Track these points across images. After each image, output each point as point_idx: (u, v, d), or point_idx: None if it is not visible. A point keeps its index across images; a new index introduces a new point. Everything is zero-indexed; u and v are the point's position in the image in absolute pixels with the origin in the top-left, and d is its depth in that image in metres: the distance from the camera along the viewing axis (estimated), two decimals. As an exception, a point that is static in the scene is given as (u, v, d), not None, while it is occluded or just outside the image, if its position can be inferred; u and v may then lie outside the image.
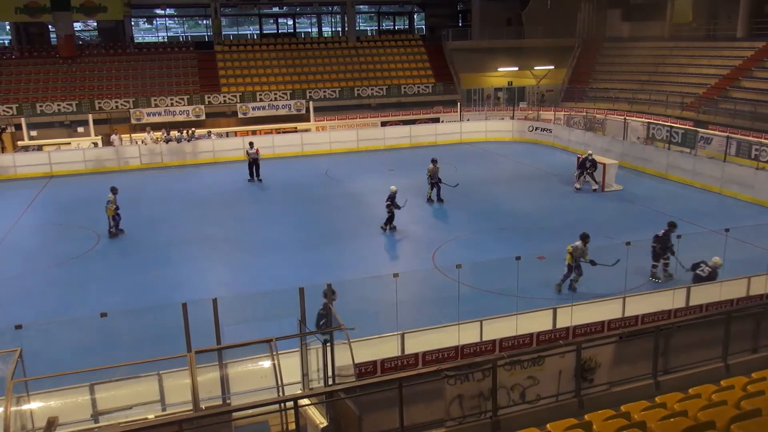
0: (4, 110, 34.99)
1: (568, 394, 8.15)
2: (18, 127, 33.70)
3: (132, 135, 34.31)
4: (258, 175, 27.74)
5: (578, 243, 14.97)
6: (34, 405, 8.74)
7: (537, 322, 11.99)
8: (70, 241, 20.28)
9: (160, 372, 9.35)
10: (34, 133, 34.19)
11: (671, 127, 28.47)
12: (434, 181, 23.35)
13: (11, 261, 18.51)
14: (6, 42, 47.97)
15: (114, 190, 20.59)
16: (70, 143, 33.63)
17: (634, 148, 28.84)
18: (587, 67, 43.53)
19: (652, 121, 30.54)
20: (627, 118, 31.37)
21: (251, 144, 28.15)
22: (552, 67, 42.90)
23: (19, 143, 33.03)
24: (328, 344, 9.18)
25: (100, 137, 33.67)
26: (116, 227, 20.49)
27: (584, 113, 34.78)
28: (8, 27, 44.62)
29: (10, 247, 19.73)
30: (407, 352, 11.18)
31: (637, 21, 44.35)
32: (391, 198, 20.02)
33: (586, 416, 7.03)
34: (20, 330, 9.14)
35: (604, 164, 24.67)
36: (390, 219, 20.22)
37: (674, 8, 41.48)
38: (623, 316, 12.36)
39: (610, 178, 24.81)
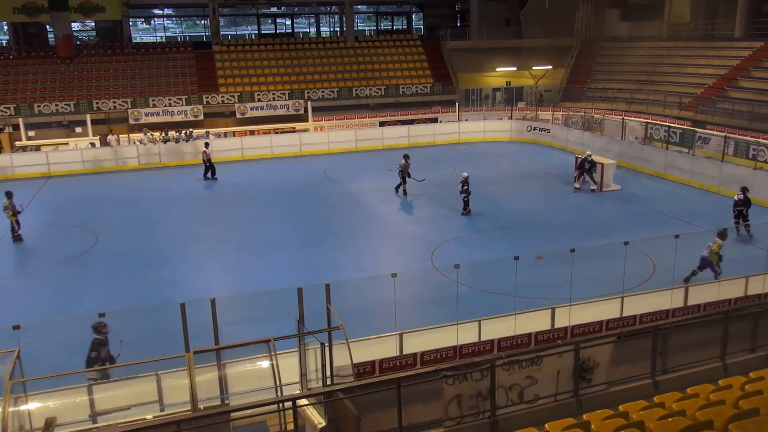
0: (1, 110, 34.94)
1: (566, 393, 8.16)
2: (16, 127, 33.67)
3: (129, 135, 34.28)
4: (207, 174, 28.24)
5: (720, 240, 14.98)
6: (32, 405, 8.73)
7: (535, 322, 12.02)
8: (68, 241, 20.25)
9: (159, 372, 9.34)
10: (31, 133, 34.16)
11: (669, 127, 28.53)
12: (404, 176, 24.34)
13: (9, 261, 18.51)
14: (4, 42, 47.90)
15: (8, 195, 19.92)
16: (68, 143, 33.61)
17: (632, 148, 28.87)
18: (585, 67, 43.57)
19: (650, 121, 30.59)
20: (625, 118, 31.41)
21: (207, 144, 28.81)
22: (550, 67, 42.94)
23: (17, 143, 32.99)
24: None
25: (98, 137, 33.64)
26: (13, 233, 19.94)
27: (582, 113, 34.81)
28: (6, 27, 44.56)
29: (9, 248, 19.70)
30: (406, 352, 11.20)
31: (635, 21, 44.41)
32: (466, 183, 21.69)
33: (584, 416, 7.04)
34: (18, 330, 9.12)
35: (603, 164, 24.69)
36: (467, 203, 21.80)
37: (672, 8, 41.52)
38: (621, 316, 12.39)
39: (608, 177, 24.83)
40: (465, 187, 21.69)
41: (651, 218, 21.06)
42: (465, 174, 22.06)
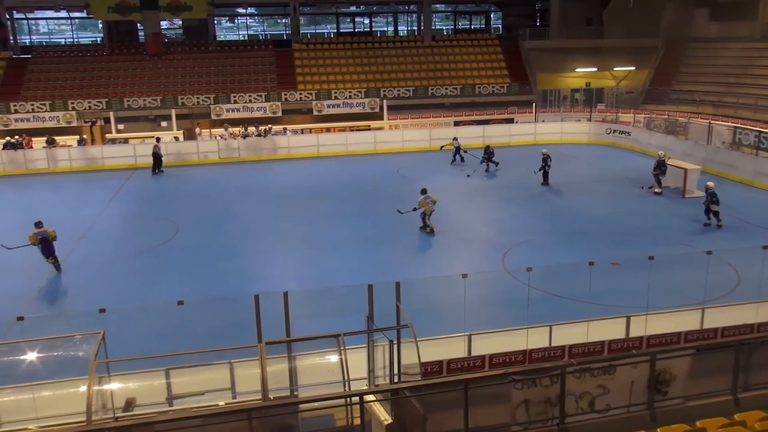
0: (94, 104, 36.88)
1: (639, 405, 7.90)
2: (107, 120, 35.50)
3: (211, 131, 35.45)
4: (157, 168, 30.37)
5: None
6: (114, 386, 9.18)
7: (609, 329, 11.69)
8: (151, 231, 21.15)
9: (232, 361, 9.62)
10: (121, 126, 35.87)
11: (760, 132, 27.09)
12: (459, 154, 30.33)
13: (97, 248, 19.47)
14: (98, 40, 50.41)
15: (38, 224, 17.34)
16: (153, 137, 35.08)
17: (719, 154, 27.60)
18: (671, 69, 41.95)
19: (738, 125, 29.16)
20: (712, 122, 30.06)
21: (158, 139, 31.30)
22: (633, 68, 41.56)
23: (108, 136, 34.77)
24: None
25: (181, 132, 34.98)
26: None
27: (666, 116, 33.55)
28: (101, 25, 46.88)
29: (97, 236, 20.75)
30: (474, 353, 11.11)
31: (726, 20, 42.32)
32: (548, 157, 26.01)
33: (658, 430, 6.83)
34: (104, 314, 9.60)
35: (686, 169, 23.74)
36: (546, 175, 25.85)
37: (766, 7, 39.39)
38: (701, 328, 11.89)
39: (691, 183, 23.82)
40: (548, 162, 25.59)
41: (736, 227, 20.08)
42: (544, 150, 26.05)
